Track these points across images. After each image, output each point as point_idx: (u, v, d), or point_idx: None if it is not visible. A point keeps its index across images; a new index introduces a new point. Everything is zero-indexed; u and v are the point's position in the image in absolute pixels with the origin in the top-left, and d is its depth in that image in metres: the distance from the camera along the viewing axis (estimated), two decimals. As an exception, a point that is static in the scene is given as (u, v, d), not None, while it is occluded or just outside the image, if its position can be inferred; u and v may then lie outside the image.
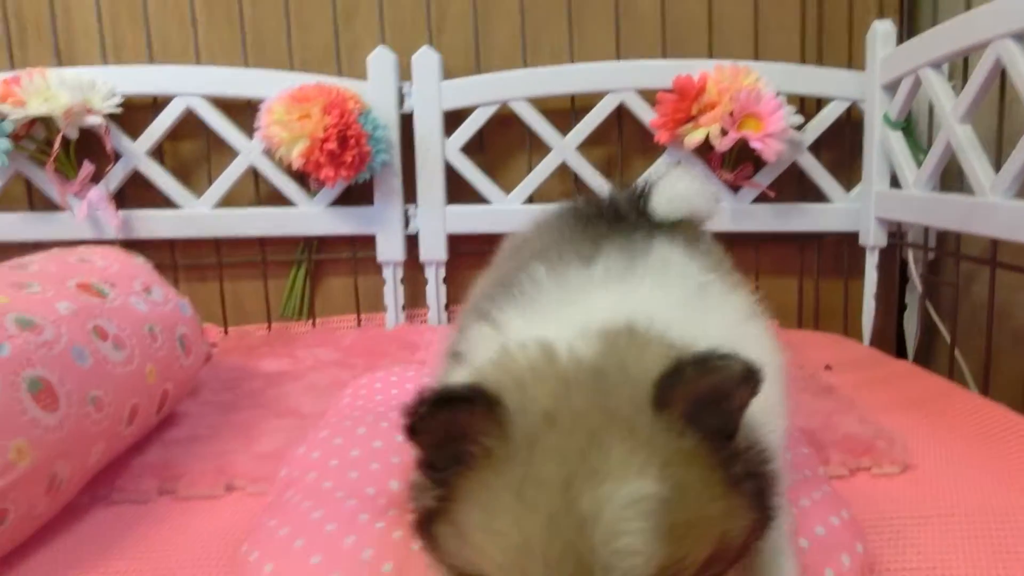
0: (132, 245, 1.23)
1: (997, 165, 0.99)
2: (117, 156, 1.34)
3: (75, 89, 1.25)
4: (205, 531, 0.72)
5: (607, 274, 0.53)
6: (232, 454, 0.87)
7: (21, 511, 0.64)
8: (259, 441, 0.90)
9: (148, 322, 0.88)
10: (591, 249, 0.56)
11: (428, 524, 0.44)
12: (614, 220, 0.65)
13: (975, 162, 1.02)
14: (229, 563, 0.65)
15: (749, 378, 0.40)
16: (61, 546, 0.70)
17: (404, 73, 1.38)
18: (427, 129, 1.37)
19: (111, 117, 1.31)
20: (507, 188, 1.40)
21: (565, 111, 1.42)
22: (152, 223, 1.38)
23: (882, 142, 1.32)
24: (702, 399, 0.40)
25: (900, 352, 1.45)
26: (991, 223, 0.99)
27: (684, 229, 0.66)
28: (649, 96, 1.37)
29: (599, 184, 1.40)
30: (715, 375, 0.40)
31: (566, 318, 0.48)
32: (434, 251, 1.41)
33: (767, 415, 0.48)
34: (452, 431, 0.41)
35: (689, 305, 0.52)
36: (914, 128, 1.31)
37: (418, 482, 0.45)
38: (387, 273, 1.43)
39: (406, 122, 1.38)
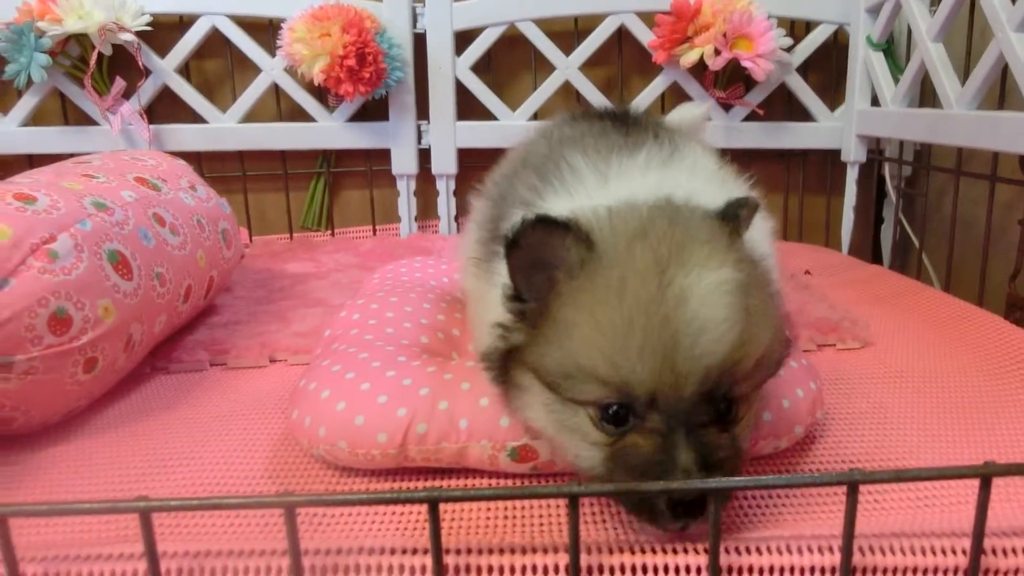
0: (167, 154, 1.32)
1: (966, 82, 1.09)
2: (147, 73, 1.43)
3: (107, 7, 1.33)
4: (255, 392, 0.84)
5: (649, 163, 0.62)
6: (272, 333, 0.98)
7: (107, 361, 0.76)
8: (295, 323, 1.01)
9: (196, 214, 0.98)
10: (630, 143, 0.65)
11: (510, 362, 0.52)
12: (638, 124, 0.74)
13: (944, 77, 1.12)
14: (280, 411, 0.77)
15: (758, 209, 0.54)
16: (129, 405, 0.81)
17: (418, -6, 1.46)
18: (439, 48, 1.46)
19: (140, 35, 1.40)
20: (513, 105, 1.50)
21: (569, 32, 1.50)
22: (181, 136, 1.47)
23: (865, 63, 1.40)
24: (743, 226, 0.52)
25: (876, 261, 1.55)
26: (956, 133, 1.09)
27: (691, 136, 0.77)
28: (647, 19, 1.45)
29: (601, 102, 1.49)
30: (753, 205, 0.53)
31: (613, 198, 0.55)
32: (445, 164, 1.51)
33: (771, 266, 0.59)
34: (546, 255, 0.48)
35: (713, 184, 0.63)
36: (895, 49, 1.40)
37: (505, 318, 0.52)
38: (401, 185, 1.53)
39: (419, 41, 1.47)
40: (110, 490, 0.63)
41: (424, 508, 0.54)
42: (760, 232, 0.56)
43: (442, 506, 0.57)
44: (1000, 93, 1.08)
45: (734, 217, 0.52)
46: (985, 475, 0.44)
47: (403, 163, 1.51)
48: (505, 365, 0.53)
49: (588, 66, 1.49)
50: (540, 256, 0.49)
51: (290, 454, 0.68)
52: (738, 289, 0.47)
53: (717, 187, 0.63)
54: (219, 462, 0.67)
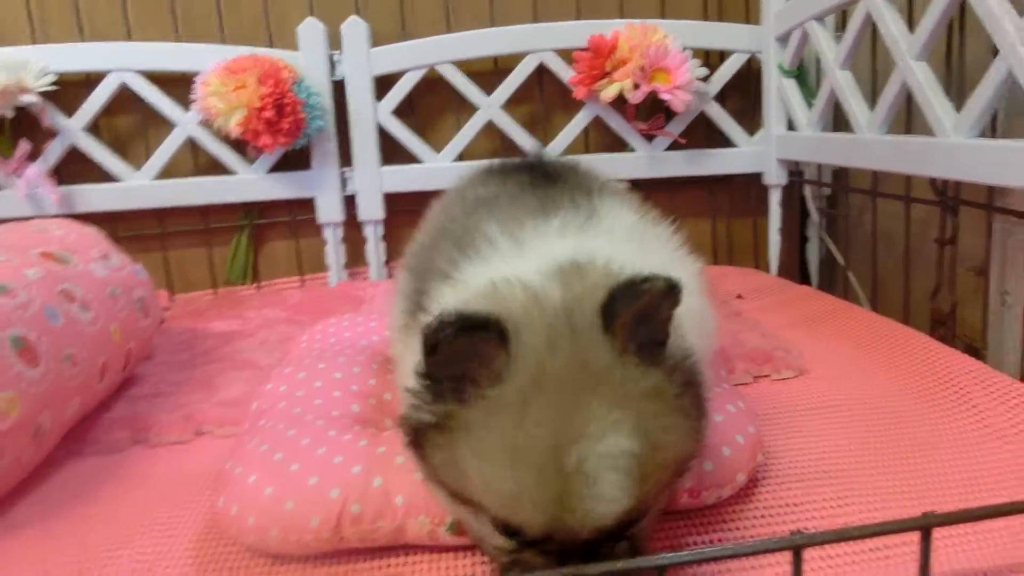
0: (73, 219, 1.26)
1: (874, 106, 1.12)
2: (54, 133, 1.38)
3: (8, 69, 1.28)
4: (179, 472, 0.79)
5: (564, 227, 0.61)
6: (197, 404, 0.94)
7: (10, 459, 0.71)
8: (221, 391, 0.97)
9: (109, 286, 0.94)
10: (544, 206, 0.64)
11: (421, 438, 0.51)
12: (552, 180, 0.73)
13: (853, 103, 1.15)
14: (207, 493, 0.73)
15: (671, 291, 0.48)
16: (43, 495, 0.76)
17: (334, 42, 1.44)
18: (359, 95, 1.44)
19: (45, 95, 1.34)
20: (438, 147, 1.48)
21: (489, 72, 1.50)
22: (93, 197, 1.41)
23: (779, 89, 1.44)
24: (636, 316, 0.48)
25: (804, 280, 1.59)
26: (869, 157, 1.12)
27: (609, 185, 0.76)
28: (566, 55, 1.46)
29: (524, 140, 1.49)
30: (644, 296, 0.47)
31: (527, 266, 0.54)
32: (372, 210, 1.49)
33: (697, 325, 0.58)
34: (465, 353, 0.47)
35: (631, 244, 0.61)
36: (806, 75, 1.44)
37: (416, 393, 0.51)
38: (327, 234, 1.50)
39: (338, 88, 1.45)
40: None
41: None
42: (687, 304, 0.50)
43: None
44: (907, 117, 1.11)
45: (610, 328, 0.48)
46: (925, 527, 0.44)
47: (329, 211, 1.48)
48: (417, 439, 0.52)
49: (510, 104, 1.49)
50: (459, 355, 0.47)
51: (220, 544, 0.64)
52: (631, 460, 0.45)
53: (635, 246, 0.61)
54: (144, 561, 0.63)
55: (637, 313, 0.48)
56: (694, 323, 0.58)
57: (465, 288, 0.56)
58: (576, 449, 0.45)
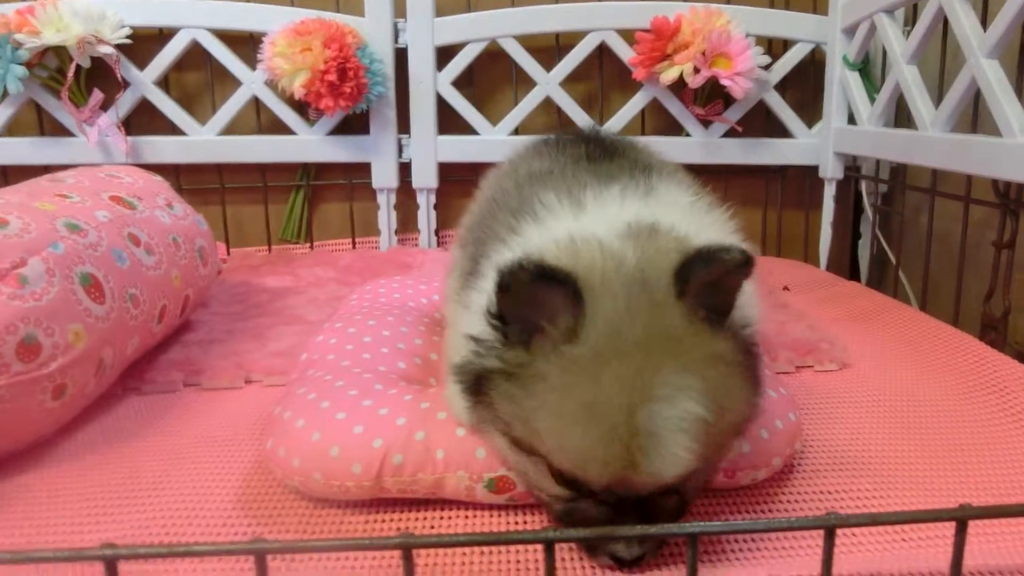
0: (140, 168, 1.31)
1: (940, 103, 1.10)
2: (126, 85, 1.42)
3: (87, 19, 1.32)
4: (229, 415, 0.83)
5: (624, 195, 0.61)
6: (248, 353, 0.97)
7: (77, 388, 0.75)
8: (271, 343, 1.01)
9: (172, 232, 0.97)
10: (601, 179, 0.64)
11: (486, 384, 0.52)
12: (609, 155, 0.73)
13: (918, 99, 1.13)
14: (254, 437, 0.76)
15: (746, 263, 0.48)
16: (101, 427, 0.80)
17: (399, 10, 1.46)
18: (420, 63, 1.46)
19: (120, 47, 1.38)
20: (494, 120, 1.50)
21: (550, 48, 1.50)
22: (159, 149, 1.46)
23: (841, 82, 1.42)
24: (709, 285, 0.49)
25: (854, 277, 1.57)
26: (930, 155, 1.10)
27: (667, 165, 0.77)
28: (628, 36, 1.45)
29: (581, 117, 1.49)
30: (721, 265, 0.48)
31: (593, 225, 0.55)
32: (426, 178, 1.50)
33: (751, 308, 0.58)
34: (537, 301, 0.48)
35: (688, 218, 0.61)
36: (870, 69, 1.41)
37: (482, 341, 0.53)
38: (381, 199, 1.52)
39: (400, 56, 1.47)
40: (78, 525, 0.62)
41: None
42: (748, 287, 0.52)
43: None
44: (973, 116, 1.09)
45: (684, 293, 0.49)
46: (961, 518, 0.44)
47: (384, 177, 1.50)
48: (478, 385, 0.53)
49: (569, 82, 1.49)
50: (531, 302, 0.48)
51: (263, 484, 0.67)
52: (696, 423, 0.47)
53: (693, 224, 0.61)
54: (190, 493, 0.66)
55: (711, 281, 0.49)
56: (747, 304, 0.58)
57: (525, 247, 0.57)
58: (648, 410, 0.46)
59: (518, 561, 0.55)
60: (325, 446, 0.61)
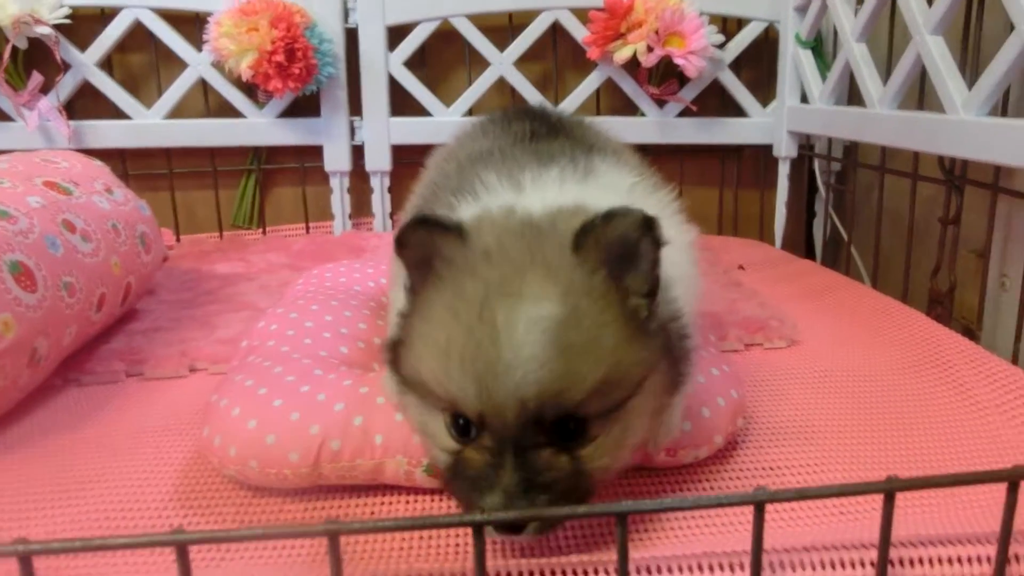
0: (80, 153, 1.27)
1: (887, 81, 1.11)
2: (66, 67, 1.37)
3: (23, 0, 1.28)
4: (172, 405, 0.81)
5: (562, 179, 0.61)
6: (193, 341, 0.95)
7: (8, 381, 0.73)
8: (219, 330, 0.99)
9: (111, 219, 0.95)
10: (541, 159, 0.64)
11: (398, 349, 0.53)
12: (553, 134, 0.72)
13: (867, 77, 1.14)
14: (195, 426, 0.74)
15: (647, 225, 0.49)
16: (38, 419, 0.78)
17: (348, -11, 1.43)
18: (371, 43, 1.43)
19: (59, 28, 1.34)
20: (448, 101, 1.48)
21: (503, 28, 1.49)
22: (103, 133, 1.42)
23: (794, 60, 1.42)
24: (613, 246, 0.49)
25: (808, 255, 1.58)
26: (879, 132, 1.11)
27: (611, 144, 0.76)
28: (581, 15, 1.44)
29: (535, 98, 1.48)
30: (619, 222, 0.49)
31: (526, 203, 0.55)
32: (379, 161, 1.49)
33: (684, 290, 0.58)
34: (426, 252, 0.50)
35: (625, 200, 0.61)
36: (822, 48, 1.42)
37: (401, 313, 0.54)
38: (334, 182, 1.50)
39: (351, 36, 1.44)
40: (13, 517, 0.60)
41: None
42: (674, 249, 0.53)
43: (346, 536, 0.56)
44: (919, 93, 1.10)
45: (580, 246, 0.49)
46: (888, 490, 0.44)
47: (336, 160, 1.48)
48: (396, 358, 0.54)
49: (523, 62, 1.47)
50: (424, 255, 0.51)
51: (201, 474, 0.66)
52: (556, 326, 0.46)
53: (633, 203, 0.61)
54: (126, 486, 0.64)
55: (613, 243, 0.49)
56: (682, 287, 0.58)
57: None
58: (506, 308, 0.47)
59: (456, 545, 0.55)
60: (261, 434, 0.60)
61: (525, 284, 0.47)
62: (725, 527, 0.56)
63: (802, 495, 0.43)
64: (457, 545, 0.55)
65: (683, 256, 0.63)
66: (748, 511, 0.55)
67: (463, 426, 0.50)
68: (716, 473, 0.64)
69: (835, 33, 1.39)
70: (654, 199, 0.67)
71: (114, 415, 0.79)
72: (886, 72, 1.17)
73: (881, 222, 1.22)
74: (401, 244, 0.51)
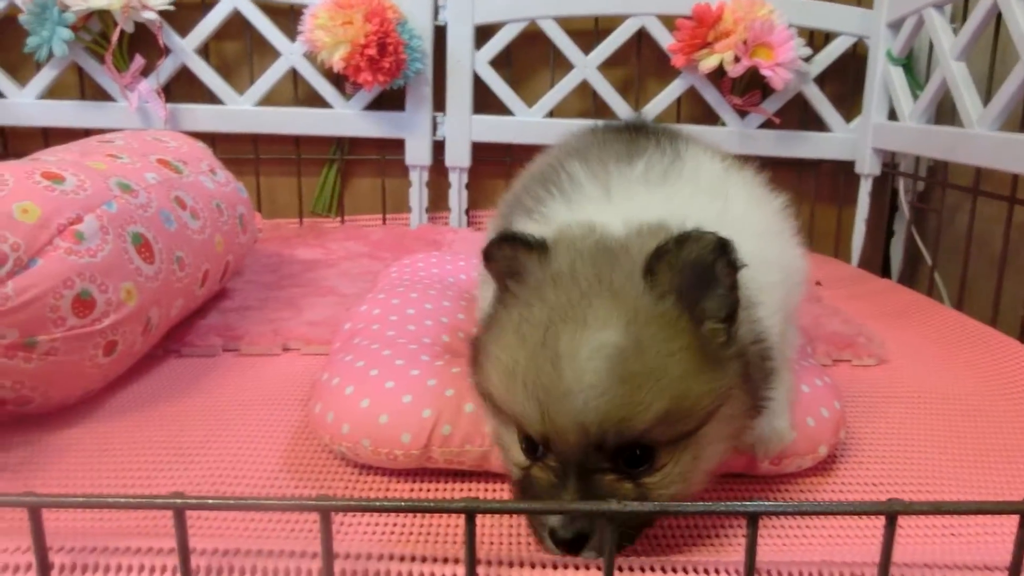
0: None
1: (987, 101, 1.09)
2: (167, 52, 1.42)
3: (131, -16, 1.32)
4: (269, 380, 0.84)
5: (648, 173, 0.61)
6: (284, 321, 0.98)
7: (125, 345, 0.76)
8: (306, 312, 1.01)
9: (215, 198, 0.98)
10: (629, 151, 0.64)
11: (475, 354, 0.54)
12: (644, 133, 0.73)
13: (966, 96, 1.12)
14: (295, 402, 0.77)
15: (722, 248, 0.48)
16: (145, 386, 0.81)
17: (439, -13, 1.45)
18: (458, 41, 1.45)
19: (163, 14, 1.38)
20: (530, 102, 1.49)
21: (588, 31, 1.50)
22: (196, 117, 1.46)
23: (883, 76, 1.40)
24: (686, 270, 0.48)
25: (885, 274, 1.56)
26: (976, 153, 1.09)
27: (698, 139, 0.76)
28: (668, 22, 1.45)
29: (617, 102, 1.49)
30: (692, 245, 0.48)
31: (612, 215, 0.55)
32: (459, 157, 1.50)
33: (779, 266, 0.58)
34: (511, 266, 0.52)
35: (711, 193, 0.61)
36: (914, 65, 1.40)
37: (482, 319, 0.56)
38: (413, 176, 1.52)
39: (439, 34, 1.46)
40: (130, 478, 0.63)
41: (454, 518, 0.54)
42: (768, 246, 0.54)
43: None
44: (1023, 114, 1.08)
45: (651, 271, 0.49)
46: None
47: (417, 154, 1.50)
48: (474, 364, 0.55)
49: (606, 66, 1.48)
50: (509, 268, 0.52)
51: (307, 448, 0.68)
52: (617, 354, 0.46)
53: (715, 195, 0.61)
54: (238, 453, 0.67)
55: (686, 267, 0.48)
56: (775, 263, 0.58)
57: (547, 224, 0.58)
58: (569, 333, 0.47)
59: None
60: (374, 413, 0.62)
61: (590, 310, 0.47)
62: (834, 539, 0.56)
63: (937, 509, 0.43)
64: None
65: (772, 229, 0.63)
66: (858, 523, 0.56)
67: (531, 444, 0.51)
68: (819, 484, 0.64)
69: (929, 50, 1.38)
70: (738, 180, 0.67)
71: (214, 386, 0.82)
72: (985, 91, 1.15)
73: (971, 243, 1.20)
74: (488, 258, 0.53)
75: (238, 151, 1.53)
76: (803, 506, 0.42)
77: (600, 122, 0.85)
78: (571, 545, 0.47)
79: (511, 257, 0.52)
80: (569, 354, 0.46)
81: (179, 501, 0.42)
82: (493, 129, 1.49)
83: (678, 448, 0.49)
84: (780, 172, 1.53)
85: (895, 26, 1.38)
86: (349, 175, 1.59)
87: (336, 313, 1.00)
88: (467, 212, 1.55)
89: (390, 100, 1.49)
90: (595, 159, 0.64)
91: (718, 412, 0.49)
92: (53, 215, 0.69)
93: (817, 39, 1.51)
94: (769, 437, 0.59)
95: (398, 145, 1.51)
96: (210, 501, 0.42)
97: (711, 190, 0.62)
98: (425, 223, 1.54)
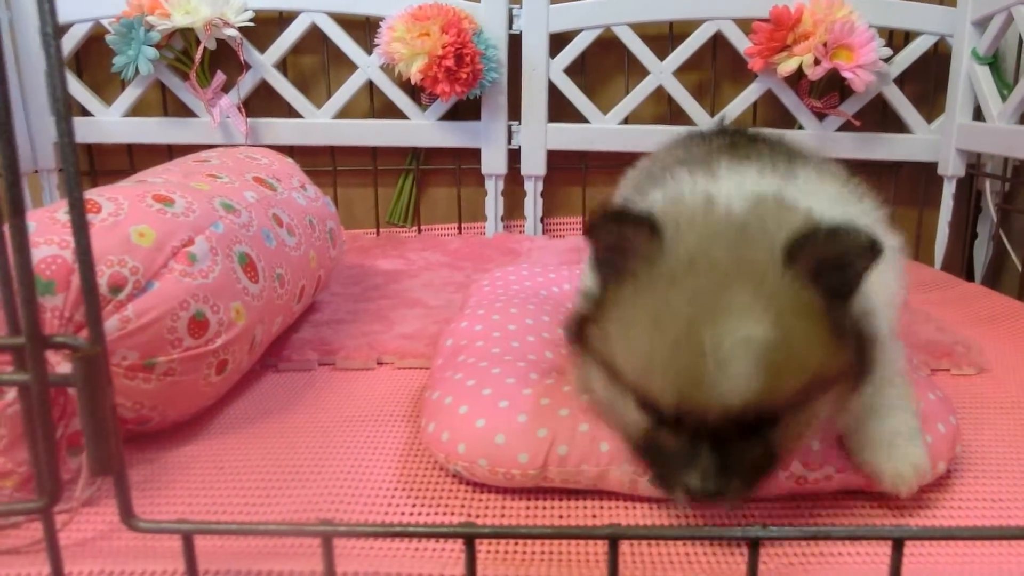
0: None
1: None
2: (247, 67, 1.45)
3: (213, 3, 1.35)
4: (369, 396, 0.85)
5: (761, 176, 0.61)
6: (377, 334, 0.99)
7: (235, 363, 0.78)
8: (397, 325, 1.02)
9: (308, 214, 0.99)
10: (740, 155, 0.64)
11: (583, 327, 0.54)
12: (752, 142, 0.73)
13: (1063, 97, 1.09)
14: (398, 418, 0.78)
15: (871, 249, 0.48)
16: (248, 403, 0.83)
17: (513, -4, 1.46)
18: (533, 50, 1.46)
19: (242, 30, 1.41)
20: (605, 109, 1.49)
21: (663, 37, 1.49)
22: (276, 131, 1.49)
23: (968, 76, 1.37)
24: (827, 262, 0.49)
25: (968, 278, 1.52)
26: (1075, 156, 1.06)
27: (812, 155, 0.75)
28: (744, 25, 1.43)
29: (692, 107, 1.48)
30: (842, 243, 0.48)
31: (721, 188, 0.56)
32: (534, 166, 1.51)
33: (883, 291, 0.58)
34: (619, 243, 0.51)
35: (832, 210, 0.61)
36: (1001, 64, 1.36)
37: (584, 293, 0.55)
38: (489, 185, 1.53)
39: (514, 42, 1.47)
40: (249, 496, 0.64)
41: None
42: (879, 277, 0.52)
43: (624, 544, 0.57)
44: None
45: (792, 259, 0.49)
46: None
47: (493, 163, 1.51)
48: (580, 332, 0.55)
49: (681, 71, 1.47)
50: (615, 245, 0.51)
51: (418, 466, 0.69)
52: (764, 347, 0.46)
53: (836, 202, 0.61)
54: (351, 472, 0.68)
55: (830, 259, 0.49)
56: (882, 295, 0.58)
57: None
58: (714, 325, 0.47)
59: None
60: (490, 433, 0.63)
61: (734, 300, 0.47)
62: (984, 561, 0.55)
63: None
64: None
65: (888, 270, 0.61)
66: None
67: (655, 411, 0.50)
68: (939, 502, 0.63)
69: (1018, 48, 1.34)
70: (857, 209, 0.66)
71: (315, 402, 0.83)
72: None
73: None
74: (592, 235, 0.52)
75: (316, 163, 1.55)
76: (954, 531, 0.41)
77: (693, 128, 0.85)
78: (711, 497, 0.49)
79: (617, 234, 0.51)
80: (714, 347, 0.46)
81: (328, 528, 0.43)
82: (569, 137, 1.49)
83: (799, 408, 0.50)
84: (860, 175, 1.52)
85: (980, 24, 1.34)
86: (424, 185, 1.60)
87: (425, 326, 1.01)
88: (542, 220, 1.55)
89: (466, 110, 1.50)
90: (704, 161, 0.64)
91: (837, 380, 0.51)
92: (167, 238, 0.71)
93: (896, 38, 1.48)
94: (902, 471, 0.59)
95: (473, 154, 1.52)
96: (358, 528, 0.43)
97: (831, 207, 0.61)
98: (501, 231, 1.55)
